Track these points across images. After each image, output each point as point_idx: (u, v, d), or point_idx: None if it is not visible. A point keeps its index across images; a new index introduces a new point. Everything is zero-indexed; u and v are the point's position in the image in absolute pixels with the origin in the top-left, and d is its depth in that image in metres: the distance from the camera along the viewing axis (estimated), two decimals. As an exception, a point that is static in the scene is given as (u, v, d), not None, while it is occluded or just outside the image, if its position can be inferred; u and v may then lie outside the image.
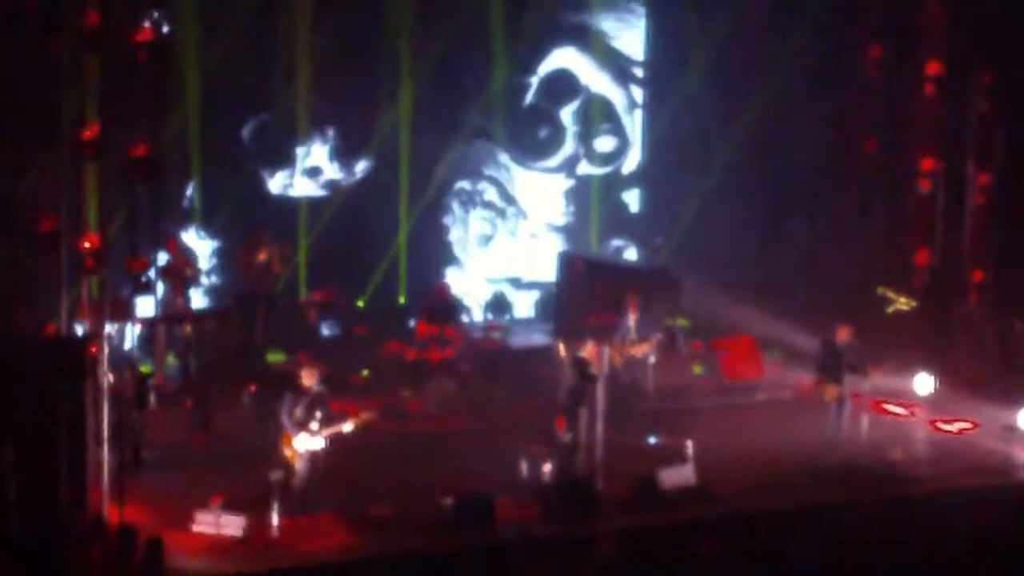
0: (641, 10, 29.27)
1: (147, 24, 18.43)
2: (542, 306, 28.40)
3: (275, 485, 17.40)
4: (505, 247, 28.65)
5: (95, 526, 16.69)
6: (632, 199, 29.94)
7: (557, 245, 28.76)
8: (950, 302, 25.59)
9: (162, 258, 22.53)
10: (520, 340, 25.99)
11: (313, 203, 26.49)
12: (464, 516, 17.80)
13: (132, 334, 21.64)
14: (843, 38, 26.94)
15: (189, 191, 25.50)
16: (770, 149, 27.66)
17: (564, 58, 28.73)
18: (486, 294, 28.05)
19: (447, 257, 28.06)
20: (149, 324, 22.42)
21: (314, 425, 17.83)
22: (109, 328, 18.45)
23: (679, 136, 28.58)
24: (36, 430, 16.13)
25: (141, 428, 18.91)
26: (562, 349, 20.56)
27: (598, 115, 29.07)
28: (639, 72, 29.45)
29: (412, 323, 25.28)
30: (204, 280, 25.10)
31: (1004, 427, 21.51)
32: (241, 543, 17.09)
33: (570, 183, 29.14)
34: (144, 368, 21.78)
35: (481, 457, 19.94)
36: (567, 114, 28.89)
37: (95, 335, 17.83)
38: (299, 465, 17.85)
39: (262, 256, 24.12)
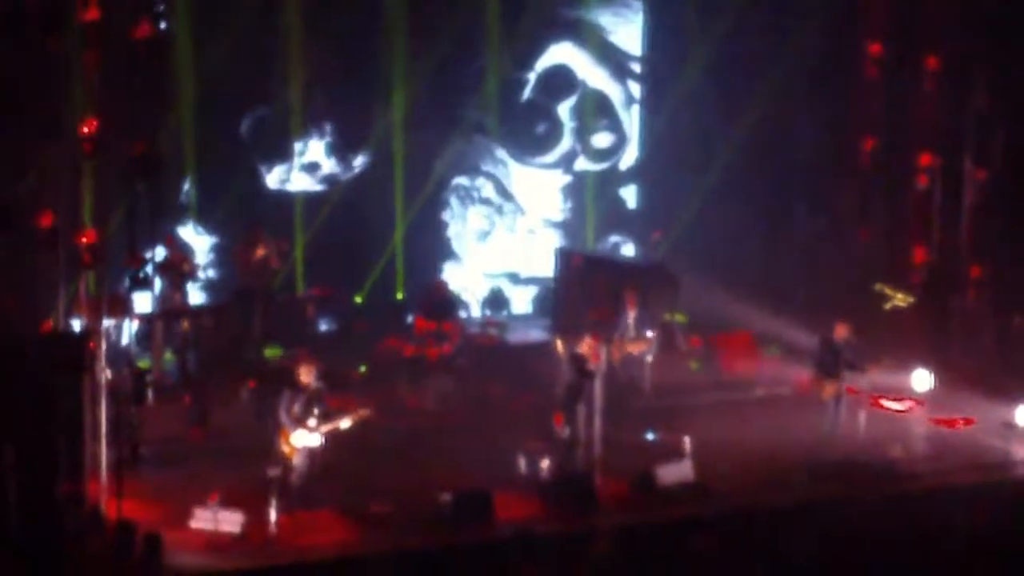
0: (639, 5, 29.26)
1: (145, 20, 18.42)
2: (540, 302, 28.39)
3: (273, 481, 17.38)
4: (503, 243, 28.65)
5: (93, 522, 16.69)
6: (629, 195, 29.94)
7: (555, 241, 28.75)
8: (948, 299, 25.59)
9: (160, 254, 22.51)
10: (518, 336, 25.99)
11: (311, 198, 26.48)
12: (462, 512, 17.80)
13: (130, 330, 21.68)
14: (842, 35, 26.92)
15: (186, 187, 25.47)
16: (769, 145, 27.64)
17: (561, 53, 28.72)
18: (484, 290, 28.04)
19: (445, 252, 28.05)
20: (147, 320, 22.41)
21: (312, 421, 17.82)
22: (107, 324, 18.44)
23: (677, 131, 28.57)
24: (34, 426, 16.11)
25: (139, 424, 18.90)
26: (560, 345, 20.54)
27: (595, 111, 29.06)
28: (637, 68, 29.44)
29: (410, 319, 25.28)
30: (202, 276, 25.08)
31: (1002, 423, 21.51)
32: (239, 539, 17.07)
33: (567, 179, 29.13)
34: (142, 364, 21.78)
35: (479, 453, 19.94)
36: (564, 110, 28.88)
37: (93, 331, 17.82)
38: (297, 461, 17.84)
39: (260, 252, 24.09)
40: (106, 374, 17.62)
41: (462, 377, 22.81)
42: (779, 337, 24.82)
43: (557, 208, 29.17)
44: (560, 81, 28.80)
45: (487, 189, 28.46)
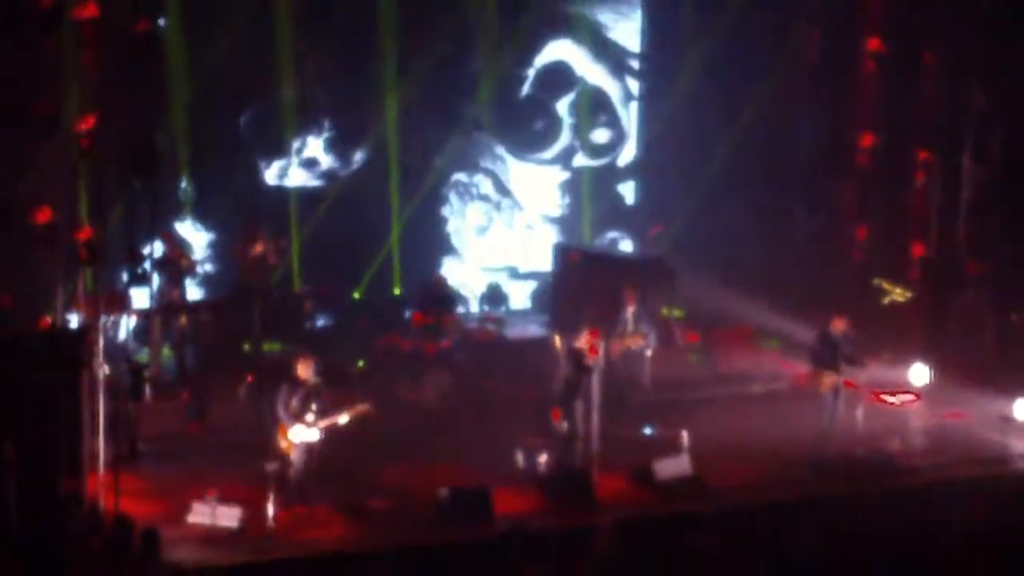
0: (637, 1, 29.25)
1: (143, 17, 18.43)
2: (538, 297, 28.39)
3: (271, 477, 17.39)
4: (501, 238, 28.64)
5: (91, 518, 16.68)
6: (628, 191, 29.94)
7: (553, 237, 28.75)
8: (946, 294, 25.61)
9: (158, 250, 22.50)
10: (516, 331, 25.99)
11: (309, 194, 26.47)
12: (460, 508, 17.81)
13: (128, 326, 21.67)
14: (841, 32, 26.92)
15: (184, 183, 25.46)
16: (767, 141, 27.66)
17: (560, 50, 28.71)
18: (482, 285, 28.03)
19: (444, 248, 28.04)
20: (145, 316, 22.40)
21: (310, 417, 17.83)
22: (104, 320, 18.44)
23: (675, 128, 28.55)
24: (33, 423, 16.11)
25: (137, 420, 18.87)
26: (558, 340, 20.53)
27: (594, 107, 29.05)
28: (635, 64, 29.44)
29: (408, 314, 25.27)
30: (200, 271, 25.07)
31: (1001, 418, 21.51)
32: (237, 534, 17.09)
33: (566, 175, 29.12)
34: (140, 358, 21.78)
35: (477, 449, 19.96)
36: (563, 106, 28.87)
37: (91, 327, 17.82)
38: (295, 457, 17.85)
39: (258, 248, 24.07)
40: (104, 370, 17.62)
41: (460, 372, 22.80)
42: (778, 332, 24.82)
43: (555, 204, 29.17)
44: (559, 77, 28.79)
45: (485, 185, 28.47)
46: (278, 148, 26.33)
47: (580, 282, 25.98)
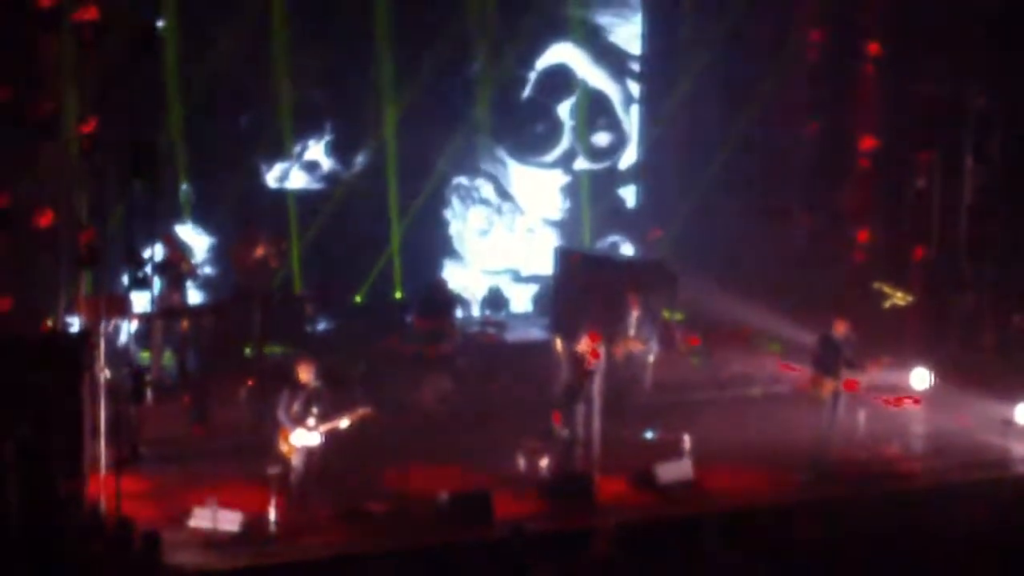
0: (638, 4, 29.25)
1: (143, 18, 18.45)
2: (539, 301, 28.39)
3: (272, 480, 17.39)
4: (503, 242, 28.64)
5: (93, 520, 16.68)
6: (629, 194, 29.94)
7: (554, 240, 28.75)
8: (947, 297, 25.60)
9: (159, 253, 22.50)
10: (517, 335, 26.00)
11: (310, 197, 26.47)
12: (461, 511, 17.80)
13: (129, 329, 21.67)
14: (842, 35, 26.92)
15: (185, 186, 25.46)
16: (767, 143, 27.66)
17: (561, 53, 28.72)
18: (484, 288, 28.03)
19: (445, 251, 28.04)
20: (146, 319, 22.40)
21: (311, 420, 17.81)
22: (105, 323, 18.44)
23: (675, 130, 28.56)
24: (34, 425, 16.10)
25: (138, 423, 18.86)
26: (559, 344, 20.53)
27: (594, 110, 29.06)
28: (636, 67, 29.44)
29: (409, 318, 25.27)
30: (200, 274, 25.06)
31: (1002, 421, 21.50)
32: (238, 538, 17.07)
33: (567, 179, 29.12)
34: (141, 362, 21.77)
35: (478, 452, 19.95)
36: (564, 109, 28.88)
37: (92, 330, 17.82)
38: (296, 460, 17.83)
39: (259, 252, 24.09)
40: (105, 373, 17.62)
41: (461, 376, 22.79)
42: (778, 335, 24.82)
43: (556, 207, 29.17)
44: (560, 80, 28.81)
45: (486, 189, 28.47)
46: (279, 151, 26.33)
47: (581, 286, 25.98)
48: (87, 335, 17.52)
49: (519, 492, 18.53)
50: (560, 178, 29.10)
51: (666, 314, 24.83)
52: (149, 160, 17.40)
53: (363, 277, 26.41)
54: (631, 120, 29.57)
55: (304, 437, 17.80)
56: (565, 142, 28.97)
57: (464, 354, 23.58)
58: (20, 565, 15.82)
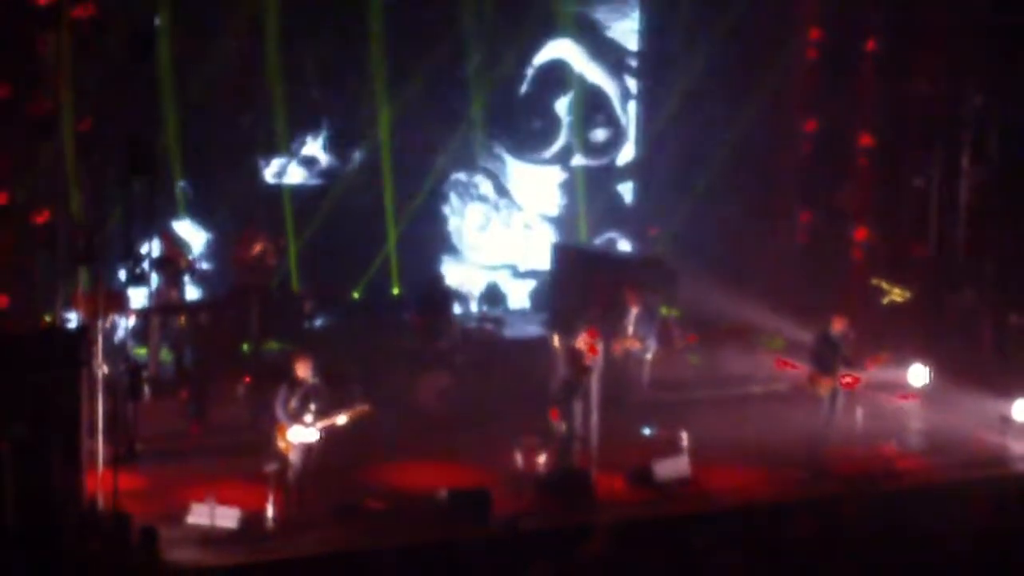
0: (635, 0, 29.22)
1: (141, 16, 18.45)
2: (537, 297, 28.38)
3: (270, 477, 17.40)
4: (500, 237, 28.61)
5: (90, 517, 16.67)
6: (626, 191, 29.92)
7: (551, 236, 28.73)
8: (945, 295, 25.61)
9: (156, 249, 22.47)
10: (515, 331, 25.98)
11: (308, 193, 26.45)
12: (459, 508, 17.80)
13: (126, 325, 21.66)
14: (841, 33, 26.91)
15: (182, 182, 25.44)
16: (766, 140, 27.64)
17: (559, 49, 28.68)
18: (481, 284, 28.02)
19: (444, 247, 28.03)
20: (144, 315, 22.39)
21: (308, 417, 17.81)
22: (103, 319, 18.43)
23: (674, 127, 28.54)
24: (32, 422, 16.09)
25: (135, 419, 18.85)
26: (556, 340, 20.52)
27: (592, 106, 29.03)
28: (634, 63, 29.41)
29: (407, 314, 25.25)
30: (198, 270, 25.05)
31: (1000, 418, 21.52)
32: (236, 535, 17.08)
33: (565, 175, 29.10)
34: (139, 355, 21.77)
35: (476, 449, 19.96)
36: (562, 105, 28.85)
37: (90, 326, 17.81)
38: (294, 457, 17.83)
39: (257, 248, 24.08)
40: (103, 370, 17.61)
41: (459, 372, 22.77)
42: (776, 332, 24.81)
43: (554, 204, 29.14)
44: (557, 76, 28.76)
45: (484, 186, 28.44)
46: (277, 146, 26.30)
47: (579, 282, 25.96)
48: (85, 331, 17.52)
49: (517, 488, 18.52)
50: (558, 174, 29.07)
51: (664, 311, 24.83)
52: (147, 157, 17.39)
53: (361, 273, 26.38)
54: (629, 116, 29.54)
55: (302, 434, 17.80)
56: (563, 138, 28.95)
57: (462, 350, 23.55)
58: (18, 562, 15.82)
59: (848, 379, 20.34)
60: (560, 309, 25.85)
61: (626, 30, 29.31)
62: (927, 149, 25.93)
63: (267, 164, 26.30)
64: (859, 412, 20.81)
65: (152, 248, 18.77)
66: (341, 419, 17.93)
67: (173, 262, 23.08)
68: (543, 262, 28.01)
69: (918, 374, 22.33)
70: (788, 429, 21.12)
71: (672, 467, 19.16)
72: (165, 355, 22.90)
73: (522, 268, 28.70)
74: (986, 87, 25.10)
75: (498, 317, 26.23)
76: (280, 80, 25.73)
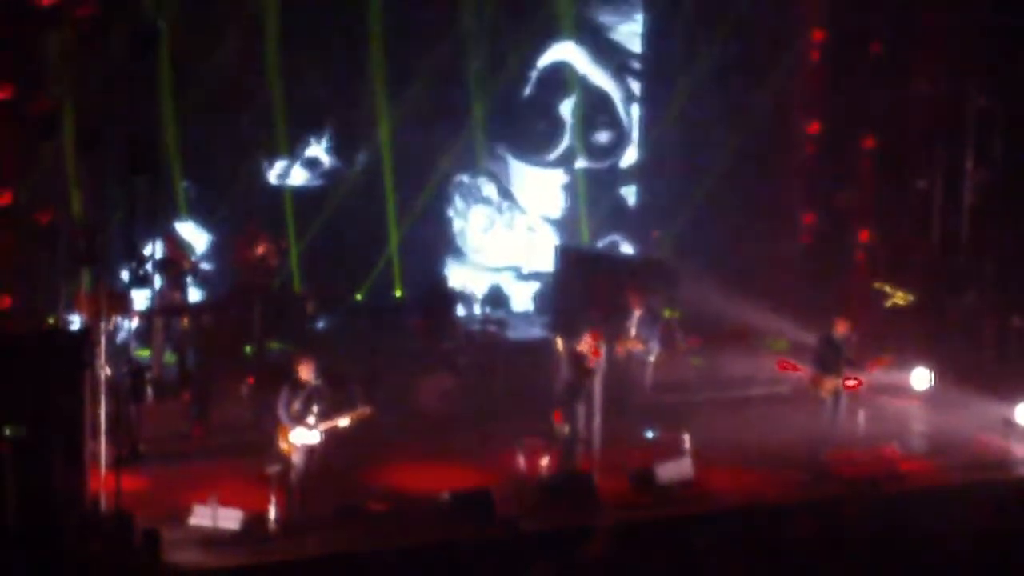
0: (639, 3, 29.23)
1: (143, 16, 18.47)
2: (540, 299, 28.37)
3: (272, 479, 17.39)
4: (503, 239, 28.62)
5: (92, 518, 16.67)
6: (630, 193, 29.91)
7: (555, 239, 28.73)
8: (948, 297, 25.59)
9: (159, 251, 22.48)
10: (518, 333, 25.95)
11: (311, 194, 26.46)
12: (462, 510, 17.79)
13: (129, 327, 21.67)
14: (843, 35, 26.91)
15: (185, 183, 25.45)
16: (768, 142, 27.63)
17: (562, 51, 28.69)
18: (485, 286, 28.01)
19: (447, 249, 28.03)
20: (146, 317, 22.40)
21: (311, 419, 17.80)
22: (105, 321, 18.44)
23: (676, 129, 28.53)
24: (34, 423, 16.10)
25: (138, 421, 18.88)
26: (559, 342, 20.52)
27: (595, 108, 29.02)
28: (637, 65, 29.42)
29: (410, 316, 25.24)
30: (201, 271, 25.05)
31: (1002, 421, 21.51)
32: (239, 536, 17.07)
33: (568, 177, 29.10)
34: (142, 357, 21.77)
35: (478, 451, 19.96)
36: (565, 108, 28.85)
37: (92, 328, 17.82)
38: (296, 459, 17.82)
39: (259, 250, 24.08)
40: (105, 371, 17.61)
41: (462, 374, 22.77)
42: (779, 334, 24.80)
43: (557, 206, 29.15)
44: (560, 79, 28.77)
45: (488, 188, 28.45)
46: (279, 148, 26.30)
47: (582, 284, 25.95)
48: (87, 333, 17.52)
49: (519, 491, 18.52)
50: (561, 177, 29.08)
51: (667, 313, 24.81)
52: (149, 157, 17.40)
53: (364, 275, 26.38)
54: (632, 119, 29.54)
55: (304, 435, 17.79)
56: (566, 141, 28.95)
57: (465, 352, 23.54)
58: (19, 562, 15.82)
59: (852, 381, 20.36)
60: (563, 311, 25.82)
61: (629, 33, 29.33)
62: (929, 150, 25.94)
63: (270, 166, 26.32)
64: (861, 414, 20.78)
65: (155, 249, 18.77)
66: (343, 421, 17.91)
67: (176, 263, 23.07)
68: (546, 264, 28.00)
69: (920, 376, 22.30)
70: (790, 431, 21.11)
71: (674, 469, 19.14)
72: (168, 357, 22.89)
73: (525, 270, 28.70)
74: (988, 88, 25.10)
75: (501, 319, 26.19)
76: (281, 81, 25.73)
